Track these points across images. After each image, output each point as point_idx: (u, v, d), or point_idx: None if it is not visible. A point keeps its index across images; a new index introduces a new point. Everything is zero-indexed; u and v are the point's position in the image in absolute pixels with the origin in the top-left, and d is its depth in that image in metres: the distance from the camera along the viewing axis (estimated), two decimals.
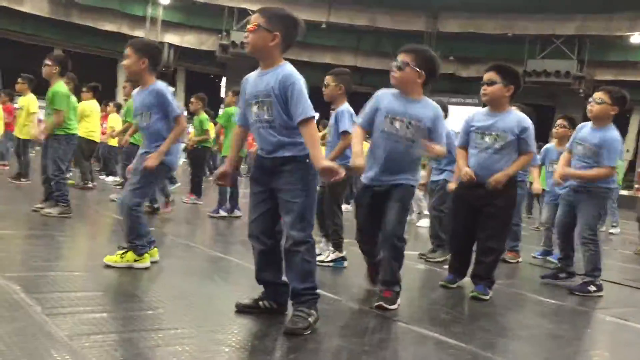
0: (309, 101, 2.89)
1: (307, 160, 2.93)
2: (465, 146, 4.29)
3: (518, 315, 3.85)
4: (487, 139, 4.13)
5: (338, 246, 4.76)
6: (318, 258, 4.62)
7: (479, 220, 4.15)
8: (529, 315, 3.92)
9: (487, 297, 4.03)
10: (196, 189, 8.60)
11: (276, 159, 2.97)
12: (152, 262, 4.00)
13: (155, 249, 4.10)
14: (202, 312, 3.13)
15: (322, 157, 2.88)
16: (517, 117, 4.16)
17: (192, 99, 8.89)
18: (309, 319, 2.89)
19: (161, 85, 4.04)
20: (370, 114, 3.60)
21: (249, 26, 2.99)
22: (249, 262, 4.54)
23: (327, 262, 4.69)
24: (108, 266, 3.82)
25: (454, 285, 4.28)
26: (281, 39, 2.95)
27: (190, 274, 4.07)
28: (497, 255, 4.22)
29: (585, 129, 4.70)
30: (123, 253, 3.88)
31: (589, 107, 4.65)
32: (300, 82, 2.92)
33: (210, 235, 6.29)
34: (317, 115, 4.43)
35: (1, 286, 3.08)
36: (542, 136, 7.14)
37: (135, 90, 4.20)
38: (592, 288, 4.58)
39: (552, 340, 3.36)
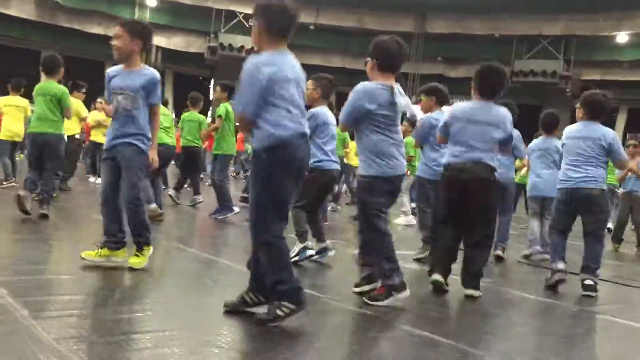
0: (241, 95, 2.97)
1: (263, 154, 2.93)
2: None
3: (507, 313, 3.87)
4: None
5: (300, 236, 4.80)
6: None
7: (463, 216, 4.14)
8: (518, 313, 3.94)
9: (479, 295, 4.03)
10: (195, 188, 8.56)
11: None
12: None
13: (124, 249, 4.01)
14: (191, 314, 3.12)
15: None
16: (503, 113, 4.24)
17: (188, 102, 8.81)
18: (277, 311, 2.90)
19: (155, 72, 4.01)
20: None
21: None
22: (239, 264, 4.55)
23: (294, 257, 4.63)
24: (132, 269, 3.82)
25: (440, 284, 4.16)
26: (265, 28, 3.03)
27: (180, 276, 4.06)
28: (487, 250, 4.22)
29: (574, 130, 4.79)
30: (138, 251, 3.90)
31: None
32: (247, 72, 2.96)
33: (201, 237, 6.27)
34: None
35: None
36: (529, 135, 7.22)
37: (115, 68, 4.06)
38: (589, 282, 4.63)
39: (541, 338, 3.38)
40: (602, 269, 4.68)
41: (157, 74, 4.01)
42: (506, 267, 5.73)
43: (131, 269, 3.83)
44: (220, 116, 7.17)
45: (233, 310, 3.07)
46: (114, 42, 3.91)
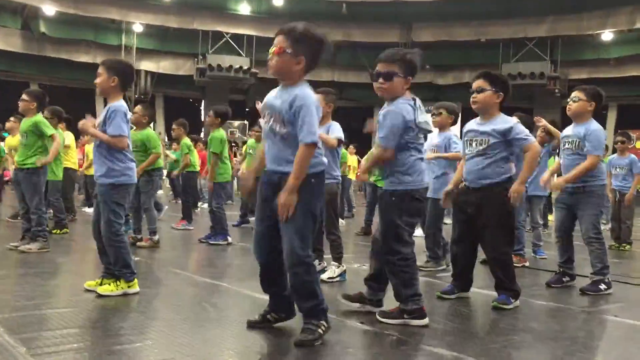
0: (314, 126, 2.93)
1: (312, 180, 2.97)
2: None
3: (510, 319, 3.84)
4: (474, 144, 4.16)
5: (339, 260, 4.86)
6: (325, 275, 4.69)
7: (476, 230, 4.14)
8: (521, 318, 3.91)
9: (509, 307, 4.00)
10: (187, 214, 8.55)
11: (282, 175, 3.00)
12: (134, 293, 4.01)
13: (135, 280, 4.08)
14: (191, 341, 3.08)
15: (294, 185, 2.92)
16: (502, 119, 4.14)
17: (174, 126, 8.85)
18: (319, 330, 2.98)
19: (117, 104, 4.01)
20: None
21: (273, 48, 3.01)
22: (238, 286, 4.52)
23: (335, 278, 4.76)
24: (101, 296, 3.83)
25: (452, 297, 4.23)
26: (305, 62, 2.99)
27: (178, 301, 4.02)
28: (504, 263, 4.15)
29: (568, 128, 4.84)
30: (116, 281, 3.93)
31: (567, 107, 4.77)
32: (312, 105, 2.94)
33: (197, 261, 6.23)
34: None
35: None
36: None
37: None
38: (603, 286, 4.64)
39: (544, 343, 3.35)
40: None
41: (116, 105, 3.99)
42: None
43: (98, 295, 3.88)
44: (216, 153, 7.04)
45: (252, 326, 3.22)
46: (95, 80, 4.04)
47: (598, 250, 4.65)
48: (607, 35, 22.80)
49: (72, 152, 9.12)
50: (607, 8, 21.73)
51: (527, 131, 4.13)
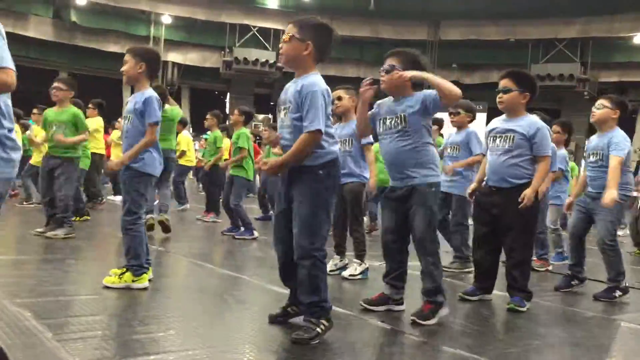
0: (319, 114, 2.92)
1: (320, 172, 2.97)
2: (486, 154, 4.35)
3: (530, 324, 3.81)
4: (498, 141, 4.13)
5: (362, 257, 4.86)
6: (347, 272, 4.71)
7: (499, 231, 4.12)
8: (542, 323, 3.88)
9: (524, 309, 4.00)
10: (214, 207, 8.63)
11: (293, 168, 3.01)
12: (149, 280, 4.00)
13: (150, 269, 4.04)
14: (213, 332, 3.12)
15: (284, 160, 2.97)
16: (529, 120, 4.12)
17: (208, 116, 8.89)
18: (317, 329, 2.94)
19: (150, 92, 4.04)
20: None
21: (283, 37, 3.05)
22: (259, 279, 4.56)
23: (357, 275, 4.77)
24: (106, 287, 3.82)
25: (475, 298, 4.20)
26: (314, 47, 3.00)
27: (201, 293, 4.06)
28: (523, 266, 4.13)
29: (592, 138, 4.80)
30: (121, 274, 3.90)
31: (592, 114, 4.75)
32: (318, 93, 2.94)
33: (221, 253, 6.28)
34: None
35: (13, 313, 3.09)
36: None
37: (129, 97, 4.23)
38: (618, 293, 4.59)
39: (566, 349, 3.33)
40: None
41: (150, 94, 4.01)
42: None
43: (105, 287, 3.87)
44: (242, 148, 7.09)
45: (273, 321, 3.21)
46: (122, 68, 4.04)
47: (612, 258, 4.60)
48: (638, 38, 22.37)
49: (99, 137, 9.26)
50: (639, 10, 21.30)
51: (548, 142, 4.11)
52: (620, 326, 3.96)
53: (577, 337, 3.56)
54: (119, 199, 10.94)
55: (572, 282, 4.91)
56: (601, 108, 4.66)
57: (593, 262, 5.46)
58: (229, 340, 3.00)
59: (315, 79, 3.00)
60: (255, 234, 6.94)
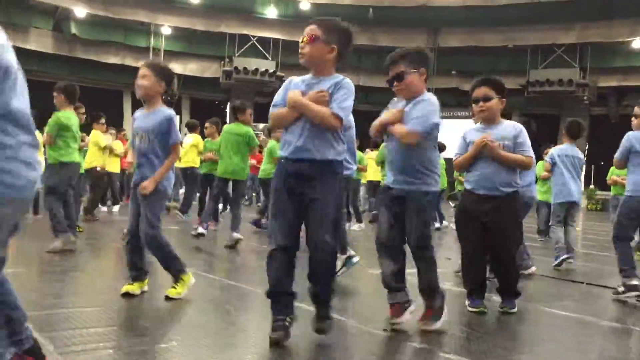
0: (348, 106, 2.96)
1: (338, 170, 3.07)
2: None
3: (534, 329, 3.80)
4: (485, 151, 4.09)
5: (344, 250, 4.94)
6: None
7: (487, 237, 4.09)
8: (544, 329, 3.87)
9: (515, 310, 4.04)
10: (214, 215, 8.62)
11: (310, 162, 2.98)
12: (142, 292, 4.03)
13: (147, 280, 4.08)
14: (216, 343, 3.11)
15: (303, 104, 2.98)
16: (509, 124, 4.15)
17: (207, 124, 8.91)
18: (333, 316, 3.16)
19: (170, 111, 4.09)
20: None
21: (304, 37, 2.99)
22: (262, 289, 4.53)
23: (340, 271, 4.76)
24: (169, 298, 3.90)
25: (487, 310, 4.06)
26: (337, 52, 3.00)
27: (203, 303, 4.05)
28: (514, 270, 4.15)
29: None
30: (175, 283, 3.99)
31: (633, 121, 4.91)
32: (352, 91, 3.00)
33: (221, 263, 6.27)
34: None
35: None
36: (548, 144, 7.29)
37: (138, 112, 4.17)
38: (621, 289, 4.67)
39: (570, 354, 3.31)
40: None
41: (172, 114, 4.07)
42: (531, 281, 5.64)
43: (167, 298, 3.92)
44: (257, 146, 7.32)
45: (280, 342, 3.02)
46: (143, 82, 3.98)
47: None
48: (637, 43, 22.41)
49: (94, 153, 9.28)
50: (637, 15, 21.36)
51: (529, 144, 4.09)
52: (629, 333, 3.94)
53: (580, 344, 3.54)
54: (116, 208, 11.02)
55: None
56: (638, 116, 4.82)
57: (595, 267, 5.44)
58: (232, 351, 2.99)
59: (351, 82, 3.03)
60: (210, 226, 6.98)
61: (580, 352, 3.35)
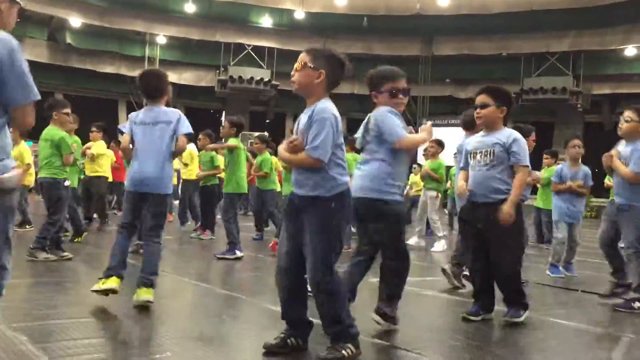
0: (322, 140, 2.89)
1: (333, 204, 2.95)
2: (465, 168, 4.31)
3: (530, 338, 3.80)
4: (479, 157, 4.13)
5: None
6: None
7: (487, 246, 4.10)
8: (541, 337, 3.87)
9: (521, 319, 4.03)
10: (210, 225, 8.62)
11: (303, 197, 2.99)
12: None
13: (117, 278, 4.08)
14: (211, 353, 3.10)
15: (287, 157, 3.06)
16: (506, 132, 4.14)
17: (200, 136, 8.84)
18: (342, 352, 2.89)
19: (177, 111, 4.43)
20: None
21: (296, 65, 3.07)
22: (257, 299, 4.53)
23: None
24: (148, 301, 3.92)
25: (477, 318, 4.08)
26: (326, 76, 3.02)
27: (198, 313, 4.04)
28: (515, 278, 4.16)
29: (621, 145, 4.85)
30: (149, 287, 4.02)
31: (619, 126, 4.83)
32: (327, 120, 2.92)
33: (217, 273, 6.25)
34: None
35: (8, 337, 3.06)
36: (542, 152, 7.29)
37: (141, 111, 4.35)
38: (637, 304, 4.60)
39: None
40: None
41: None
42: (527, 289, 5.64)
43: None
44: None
45: (272, 351, 3.01)
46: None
47: (636, 267, 4.63)
48: (630, 51, 22.56)
49: (104, 161, 9.30)
50: (630, 23, 21.50)
51: (526, 153, 4.09)
52: (624, 341, 3.93)
53: (574, 352, 3.54)
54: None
55: (617, 290, 4.92)
56: (629, 121, 4.72)
57: (589, 275, 5.45)
58: None
59: (326, 105, 2.99)
60: (238, 253, 6.68)
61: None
